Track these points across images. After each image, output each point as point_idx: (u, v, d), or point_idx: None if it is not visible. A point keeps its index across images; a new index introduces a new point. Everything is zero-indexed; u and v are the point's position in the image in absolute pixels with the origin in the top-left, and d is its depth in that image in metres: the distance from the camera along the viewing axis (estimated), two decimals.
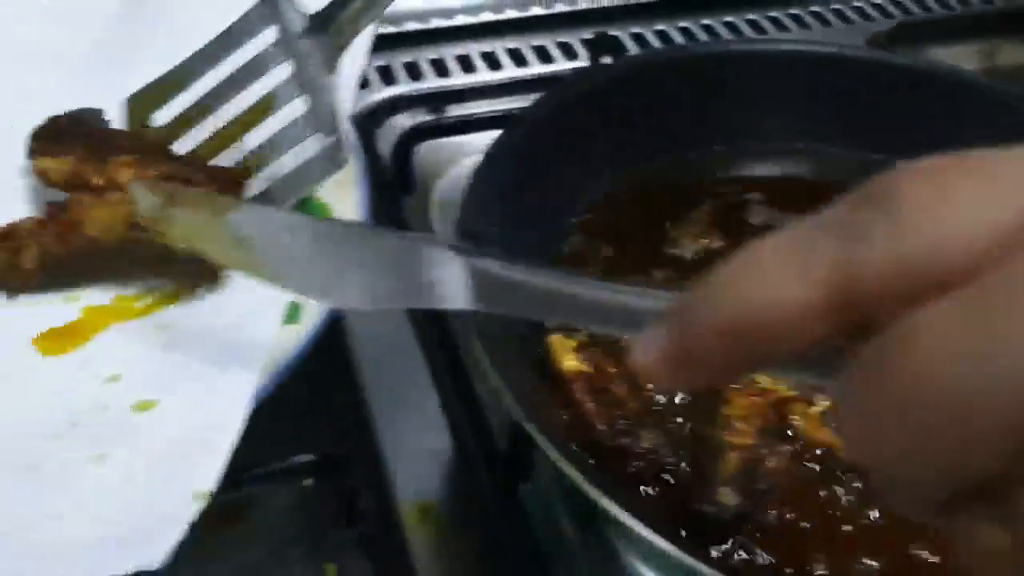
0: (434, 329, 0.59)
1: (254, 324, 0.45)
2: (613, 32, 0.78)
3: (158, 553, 0.34)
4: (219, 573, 0.47)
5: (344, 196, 0.51)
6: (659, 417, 0.45)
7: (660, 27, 0.81)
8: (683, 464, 0.44)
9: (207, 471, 0.38)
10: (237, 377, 0.42)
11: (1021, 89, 0.63)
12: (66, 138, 0.50)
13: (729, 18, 0.83)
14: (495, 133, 0.69)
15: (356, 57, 0.57)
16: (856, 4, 0.87)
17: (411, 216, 0.65)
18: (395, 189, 0.65)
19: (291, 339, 0.44)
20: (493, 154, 0.52)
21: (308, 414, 0.54)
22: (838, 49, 0.65)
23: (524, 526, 0.49)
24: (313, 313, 0.45)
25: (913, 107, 0.62)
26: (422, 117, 0.71)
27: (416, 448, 0.52)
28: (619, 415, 0.44)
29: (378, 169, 0.66)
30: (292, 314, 0.45)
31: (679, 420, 0.45)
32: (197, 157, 0.51)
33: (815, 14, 0.85)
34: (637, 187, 0.57)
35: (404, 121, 0.70)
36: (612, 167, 0.57)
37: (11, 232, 0.47)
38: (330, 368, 0.55)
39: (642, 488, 0.43)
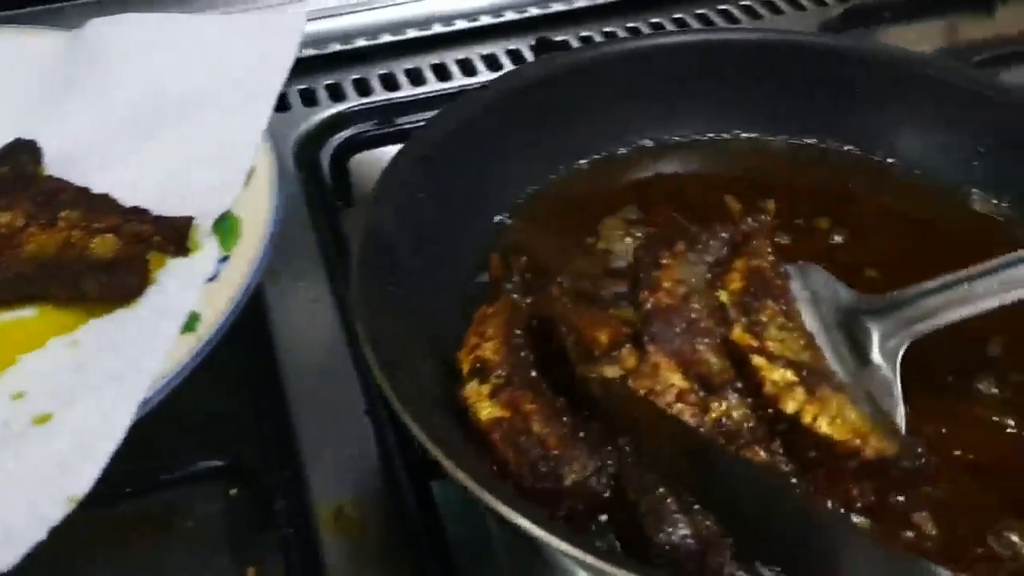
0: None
1: (152, 334, 0.46)
2: (560, 36, 0.79)
3: (9, 555, 0.35)
4: None
5: (256, 207, 0.53)
6: (584, 443, 0.43)
7: (609, 28, 0.82)
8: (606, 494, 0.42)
9: (83, 477, 0.39)
10: (127, 386, 0.43)
11: (936, 65, 0.62)
12: (13, 191, 0.52)
13: (678, 15, 0.83)
14: None
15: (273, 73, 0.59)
16: None
17: (352, 230, 0.66)
18: (334, 203, 0.66)
19: (187, 348, 0.46)
20: (396, 163, 0.52)
21: (229, 420, 0.55)
22: (762, 35, 0.65)
23: (436, 520, 0.49)
24: (211, 323, 0.47)
25: (844, 90, 0.62)
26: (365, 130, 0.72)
27: (336, 454, 0.52)
28: (540, 455, 0.42)
29: (320, 184, 0.67)
30: (190, 323, 0.47)
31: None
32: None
33: (768, 3, 0.85)
34: (560, 186, 0.58)
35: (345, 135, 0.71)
36: (533, 166, 0.58)
37: None
38: (257, 374, 0.57)
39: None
